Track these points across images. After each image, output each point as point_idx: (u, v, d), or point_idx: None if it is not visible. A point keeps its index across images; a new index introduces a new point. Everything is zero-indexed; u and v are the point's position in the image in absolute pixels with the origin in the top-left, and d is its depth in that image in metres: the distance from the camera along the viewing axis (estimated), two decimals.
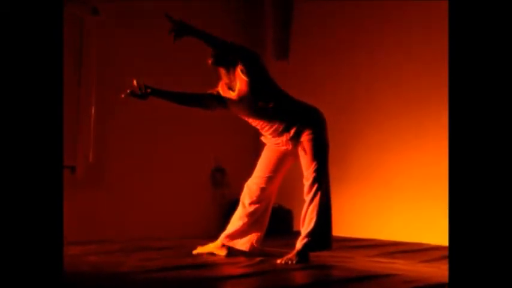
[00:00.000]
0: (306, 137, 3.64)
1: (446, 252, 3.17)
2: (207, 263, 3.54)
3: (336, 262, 3.76)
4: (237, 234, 3.83)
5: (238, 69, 3.57)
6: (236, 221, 3.85)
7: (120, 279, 2.97)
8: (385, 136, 5.86)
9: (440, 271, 3.44)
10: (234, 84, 3.64)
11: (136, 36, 5.40)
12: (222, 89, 3.73)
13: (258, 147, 4.06)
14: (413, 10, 5.73)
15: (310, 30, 6.43)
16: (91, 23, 5.16)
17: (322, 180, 3.62)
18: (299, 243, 3.64)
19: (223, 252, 3.83)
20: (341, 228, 4.50)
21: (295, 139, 3.66)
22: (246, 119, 3.78)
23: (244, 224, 3.81)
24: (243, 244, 3.83)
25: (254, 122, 3.76)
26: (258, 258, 3.68)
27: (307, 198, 3.64)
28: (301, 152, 3.67)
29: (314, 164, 3.62)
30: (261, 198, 3.81)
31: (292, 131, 3.65)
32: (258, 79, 3.61)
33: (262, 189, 3.81)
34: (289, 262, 3.56)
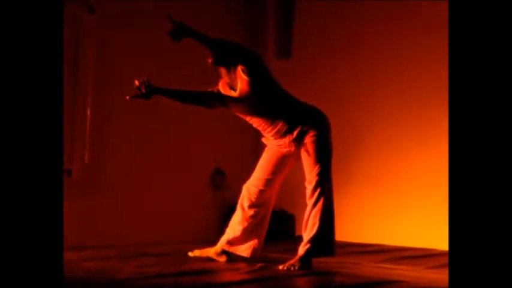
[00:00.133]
0: (309, 139, 3.56)
1: None
2: (207, 269, 3.48)
3: (340, 268, 3.72)
4: (237, 239, 3.77)
5: (239, 69, 3.52)
6: (236, 226, 3.78)
7: (117, 286, 2.93)
8: (390, 138, 5.80)
9: (447, 278, 3.38)
10: (235, 84, 3.58)
11: (134, 37, 5.35)
12: (222, 88, 3.68)
13: (259, 148, 4.01)
14: (413, 10, 5.71)
15: (311, 29, 6.41)
16: (88, 22, 5.11)
17: (325, 184, 3.55)
18: (301, 249, 3.58)
19: (223, 258, 3.77)
20: (347, 233, 4.44)
21: (298, 141, 3.59)
22: (248, 119, 3.71)
23: (244, 229, 3.75)
24: (244, 250, 3.76)
25: (256, 123, 3.68)
26: (259, 264, 3.62)
27: (310, 202, 3.57)
28: (303, 154, 3.59)
29: (317, 167, 3.54)
30: (260, 201, 3.74)
31: (295, 132, 3.58)
32: (259, 79, 3.55)
33: (261, 192, 3.74)
34: (292, 268, 3.50)
